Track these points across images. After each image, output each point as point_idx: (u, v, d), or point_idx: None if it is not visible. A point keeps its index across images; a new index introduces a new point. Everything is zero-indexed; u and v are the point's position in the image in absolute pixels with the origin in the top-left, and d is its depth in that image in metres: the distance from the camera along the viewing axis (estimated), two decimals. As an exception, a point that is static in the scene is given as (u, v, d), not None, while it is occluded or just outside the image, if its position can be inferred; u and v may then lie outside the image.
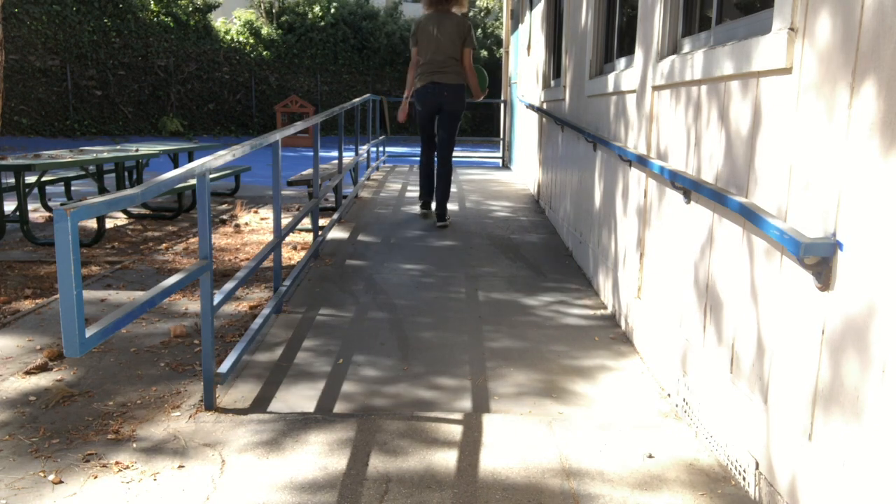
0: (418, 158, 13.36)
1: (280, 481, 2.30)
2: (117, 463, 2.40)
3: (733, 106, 2.46)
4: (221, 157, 2.90)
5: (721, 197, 2.36)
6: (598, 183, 4.60)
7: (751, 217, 2.12)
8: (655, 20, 3.35)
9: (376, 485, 2.29)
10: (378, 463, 2.42)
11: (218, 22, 21.44)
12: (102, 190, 6.67)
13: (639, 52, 3.60)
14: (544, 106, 7.39)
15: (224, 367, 2.91)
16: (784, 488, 2.03)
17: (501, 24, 18.57)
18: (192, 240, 6.26)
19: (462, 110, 6.53)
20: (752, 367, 2.27)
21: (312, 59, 22.33)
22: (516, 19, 11.06)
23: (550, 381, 3.17)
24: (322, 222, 6.31)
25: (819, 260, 1.84)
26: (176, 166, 8.05)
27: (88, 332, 1.90)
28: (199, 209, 2.72)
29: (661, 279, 3.25)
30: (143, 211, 7.67)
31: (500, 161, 12.72)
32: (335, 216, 6.35)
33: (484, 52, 22.41)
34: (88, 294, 4.39)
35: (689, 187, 2.69)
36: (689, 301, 2.86)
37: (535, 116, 8.16)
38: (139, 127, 20.27)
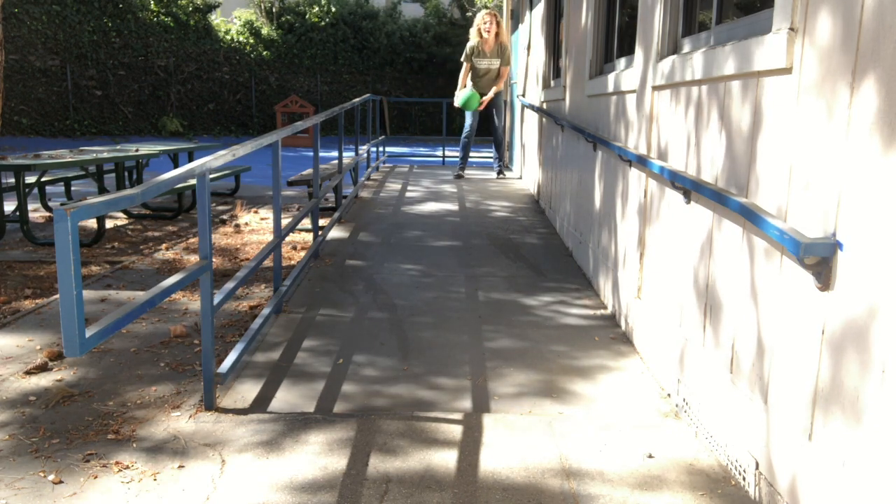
0: (418, 159, 14.66)
1: (280, 481, 2.30)
2: (117, 463, 2.40)
3: (733, 106, 2.46)
4: (221, 157, 2.90)
5: (721, 197, 2.36)
6: (598, 183, 4.60)
7: (751, 217, 2.12)
8: (655, 20, 3.35)
9: (376, 485, 2.29)
10: (378, 463, 2.42)
11: (217, 20, 21.41)
12: (102, 190, 6.67)
13: (639, 52, 3.60)
14: (544, 106, 7.39)
15: (224, 367, 2.91)
16: (784, 488, 2.03)
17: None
18: (192, 240, 6.26)
19: (457, 107, 8.80)
20: (752, 367, 2.27)
21: (312, 59, 22.30)
22: (516, 19, 11.05)
23: (550, 381, 3.16)
24: (322, 222, 6.31)
25: (819, 260, 1.84)
26: (176, 166, 8.05)
27: (88, 332, 1.90)
28: (199, 209, 2.72)
29: (661, 279, 3.25)
30: (143, 211, 7.67)
31: (500, 161, 12.70)
32: (335, 216, 6.35)
33: None
34: (88, 294, 4.39)
35: (690, 187, 2.69)
36: (689, 301, 2.86)
37: (535, 116, 8.16)
38: (139, 127, 20.26)
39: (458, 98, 8.68)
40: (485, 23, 8.46)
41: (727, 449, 2.42)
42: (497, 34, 8.53)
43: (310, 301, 4.24)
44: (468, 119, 8.91)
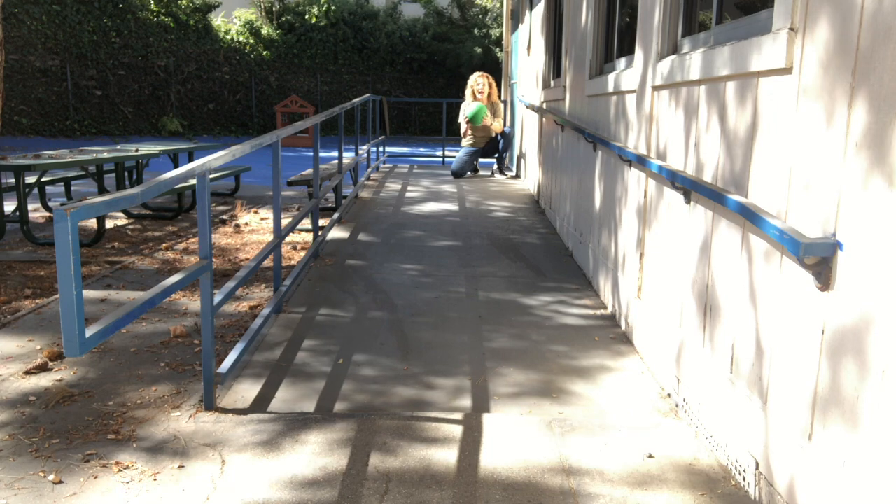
0: (417, 159, 15.01)
1: (280, 481, 2.30)
2: (117, 463, 2.40)
3: (733, 106, 2.46)
4: (221, 157, 2.90)
5: (721, 197, 2.36)
6: (598, 183, 4.60)
7: (750, 217, 2.12)
8: (655, 20, 3.35)
9: (376, 484, 2.29)
10: (378, 462, 2.42)
11: (218, 20, 21.40)
12: (102, 190, 6.67)
13: (639, 53, 3.60)
14: (544, 106, 7.39)
15: (224, 367, 2.91)
16: (784, 488, 2.03)
17: (501, 23, 18.56)
18: (192, 240, 6.26)
19: (467, 119, 9.53)
20: (752, 368, 2.27)
21: (312, 59, 22.30)
22: (516, 19, 11.05)
23: (550, 381, 3.17)
24: (322, 222, 6.31)
25: (819, 260, 1.84)
26: (176, 166, 8.05)
27: (88, 332, 1.90)
28: (199, 209, 2.72)
29: (661, 279, 3.25)
30: (143, 211, 7.67)
31: (500, 161, 12.69)
32: (335, 216, 6.35)
33: (478, 50, 22.31)
34: (88, 294, 4.39)
35: (689, 187, 2.69)
36: (688, 301, 2.86)
37: (535, 116, 8.16)
38: (139, 127, 20.25)
39: (469, 110, 9.40)
40: (478, 84, 9.45)
41: (727, 449, 2.43)
42: (489, 94, 9.48)
43: (310, 301, 4.24)
44: (461, 153, 9.67)
